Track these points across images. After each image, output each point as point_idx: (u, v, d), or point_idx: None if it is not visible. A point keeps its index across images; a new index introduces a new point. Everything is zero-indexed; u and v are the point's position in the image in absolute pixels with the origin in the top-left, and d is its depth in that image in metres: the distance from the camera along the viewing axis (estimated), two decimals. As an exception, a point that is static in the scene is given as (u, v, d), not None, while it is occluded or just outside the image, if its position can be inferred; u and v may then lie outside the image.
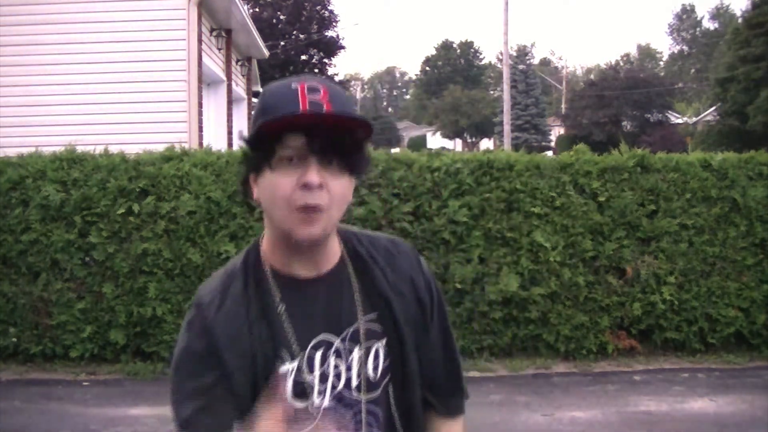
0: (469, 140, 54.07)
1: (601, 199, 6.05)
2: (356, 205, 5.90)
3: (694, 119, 41.53)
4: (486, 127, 51.31)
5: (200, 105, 9.14)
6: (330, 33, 33.87)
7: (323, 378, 1.21)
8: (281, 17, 33.16)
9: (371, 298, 1.26)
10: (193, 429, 1.16)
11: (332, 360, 1.21)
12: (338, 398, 1.21)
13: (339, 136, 1.13)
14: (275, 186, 1.15)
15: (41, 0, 8.77)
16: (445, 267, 5.92)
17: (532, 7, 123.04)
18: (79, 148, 6.18)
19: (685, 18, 74.04)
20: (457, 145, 53.29)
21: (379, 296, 1.26)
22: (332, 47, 33.92)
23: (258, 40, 13.12)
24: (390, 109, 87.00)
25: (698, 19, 73.61)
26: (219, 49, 11.12)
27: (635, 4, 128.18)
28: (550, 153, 26.22)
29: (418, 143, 51.39)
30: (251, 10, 29.39)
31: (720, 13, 68.83)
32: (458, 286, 5.88)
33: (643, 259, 6.09)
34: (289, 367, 1.19)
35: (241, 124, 13.50)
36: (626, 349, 6.14)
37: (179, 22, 8.86)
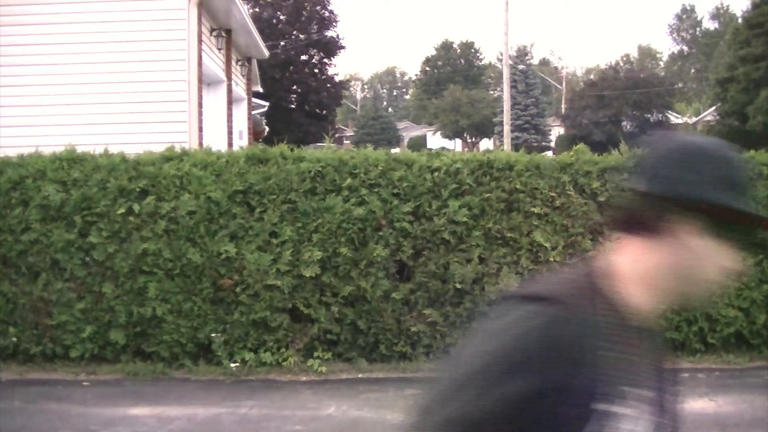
0: (469, 140, 54.02)
1: (601, 199, 6.05)
2: (356, 205, 5.90)
3: (694, 119, 41.51)
4: (486, 127, 51.25)
5: (200, 105, 9.14)
6: (330, 33, 33.91)
7: None
8: (281, 17, 33.19)
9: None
10: None
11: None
12: None
13: None
14: (715, 259, 1.07)
15: (41, 0, 8.77)
16: (445, 267, 5.92)
17: (532, 7, 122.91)
18: (79, 148, 6.18)
19: (685, 18, 73.94)
20: (457, 145, 53.20)
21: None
22: (332, 47, 33.95)
23: (258, 40, 13.11)
24: (390, 109, 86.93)
25: (698, 19, 73.53)
26: (219, 49, 11.12)
27: (635, 5, 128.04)
28: (549, 153, 26.21)
29: (418, 143, 51.40)
30: (251, 10, 29.38)
31: (720, 13, 68.77)
32: (458, 286, 5.88)
33: (643, 259, 6.08)
34: (619, 411, 1.02)
35: (241, 124, 13.49)
36: (626, 349, 6.13)
37: (179, 22, 8.85)
